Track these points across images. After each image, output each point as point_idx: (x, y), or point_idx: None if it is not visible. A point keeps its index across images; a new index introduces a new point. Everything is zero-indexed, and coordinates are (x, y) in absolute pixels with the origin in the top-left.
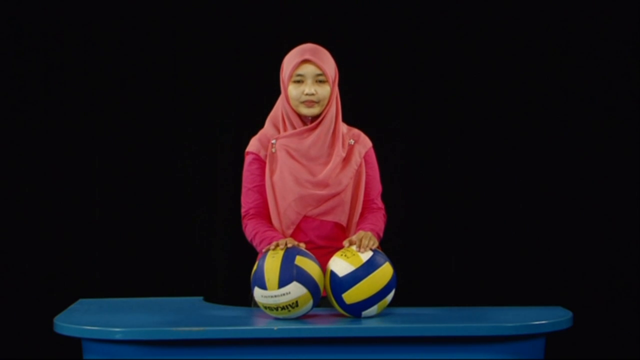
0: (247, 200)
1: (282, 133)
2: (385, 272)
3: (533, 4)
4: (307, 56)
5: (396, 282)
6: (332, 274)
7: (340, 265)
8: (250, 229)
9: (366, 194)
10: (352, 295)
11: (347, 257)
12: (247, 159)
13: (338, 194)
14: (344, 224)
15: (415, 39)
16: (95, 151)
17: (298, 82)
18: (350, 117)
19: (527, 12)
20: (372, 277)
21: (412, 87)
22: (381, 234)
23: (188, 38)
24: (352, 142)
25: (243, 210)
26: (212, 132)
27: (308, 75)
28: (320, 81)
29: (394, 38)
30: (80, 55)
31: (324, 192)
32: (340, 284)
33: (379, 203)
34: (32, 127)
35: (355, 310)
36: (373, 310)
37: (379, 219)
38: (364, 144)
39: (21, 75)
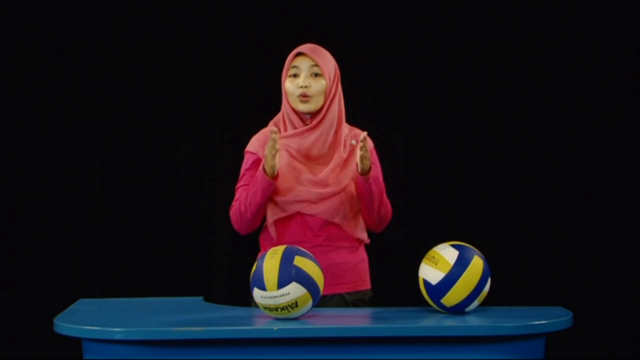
0: (236, 196)
1: (283, 133)
2: (475, 267)
3: (533, 3)
4: (301, 49)
5: (490, 271)
6: (426, 282)
7: (431, 273)
8: (237, 204)
9: None
10: (450, 299)
11: (436, 264)
12: (245, 158)
13: (337, 193)
14: (342, 224)
15: (415, 38)
16: (96, 151)
17: (294, 76)
18: (350, 116)
19: (527, 10)
20: (464, 277)
21: (413, 86)
22: (384, 199)
23: (188, 38)
24: (353, 142)
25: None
26: (212, 132)
27: (302, 68)
28: (316, 75)
29: (394, 37)
30: (80, 55)
31: (323, 191)
32: (436, 291)
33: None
34: (32, 127)
35: (457, 309)
36: (474, 304)
37: (386, 197)
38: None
39: (21, 74)
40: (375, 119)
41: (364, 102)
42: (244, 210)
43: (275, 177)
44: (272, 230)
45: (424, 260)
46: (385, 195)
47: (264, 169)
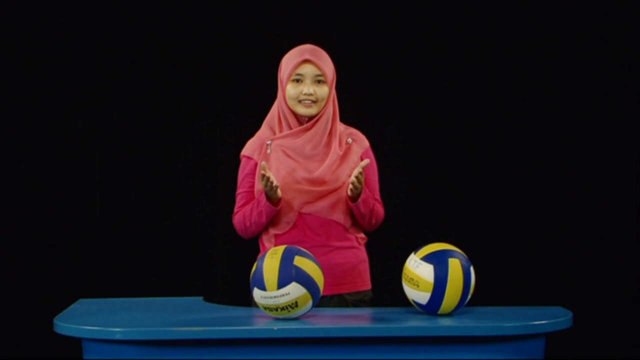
0: (238, 204)
1: (278, 134)
2: (455, 271)
3: (533, 4)
4: (307, 56)
5: (469, 262)
6: (417, 303)
7: (416, 295)
8: (239, 215)
9: None
10: (446, 308)
11: (417, 286)
12: (242, 163)
13: (335, 190)
14: (342, 221)
15: (414, 38)
16: (96, 151)
17: (297, 81)
18: (350, 115)
19: (527, 10)
20: (450, 287)
21: (412, 86)
22: (374, 212)
23: (188, 38)
24: (350, 140)
25: (234, 210)
26: (212, 132)
27: (307, 75)
28: (319, 81)
29: (393, 37)
30: (80, 54)
31: (320, 188)
32: (429, 308)
33: (379, 200)
34: (32, 127)
35: (456, 311)
36: (468, 298)
37: (377, 206)
38: (362, 144)
39: (21, 74)
40: (375, 119)
41: (362, 101)
42: (249, 225)
43: (279, 202)
44: (270, 244)
45: (403, 279)
46: (376, 206)
47: (267, 197)
